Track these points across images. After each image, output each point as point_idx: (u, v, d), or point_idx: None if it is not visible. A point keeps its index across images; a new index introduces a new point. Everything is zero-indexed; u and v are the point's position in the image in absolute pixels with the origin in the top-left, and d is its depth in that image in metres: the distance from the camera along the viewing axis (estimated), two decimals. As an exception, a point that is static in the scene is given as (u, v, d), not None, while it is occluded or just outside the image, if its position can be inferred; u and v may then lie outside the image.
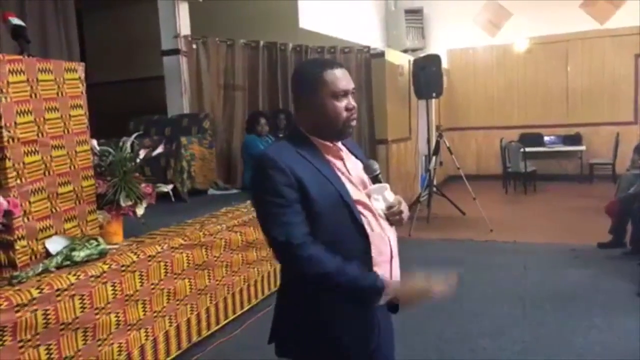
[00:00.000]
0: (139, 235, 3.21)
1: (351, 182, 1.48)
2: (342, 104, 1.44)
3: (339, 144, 1.54)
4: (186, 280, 3.14)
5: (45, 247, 2.56)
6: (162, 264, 2.94)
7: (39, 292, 2.21)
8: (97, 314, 2.49)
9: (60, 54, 4.45)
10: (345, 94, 1.45)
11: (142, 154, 3.13)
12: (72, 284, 2.36)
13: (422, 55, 7.39)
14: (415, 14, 9.51)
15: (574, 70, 9.16)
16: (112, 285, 2.58)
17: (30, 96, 2.53)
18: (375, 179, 1.50)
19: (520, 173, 8.28)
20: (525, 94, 9.48)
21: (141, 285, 2.78)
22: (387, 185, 1.49)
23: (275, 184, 1.36)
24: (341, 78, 1.45)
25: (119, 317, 2.62)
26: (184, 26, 5.68)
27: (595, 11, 8.47)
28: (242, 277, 3.71)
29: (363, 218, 1.43)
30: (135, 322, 2.74)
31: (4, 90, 2.38)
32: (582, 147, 8.92)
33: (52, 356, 2.25)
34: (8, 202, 2.33)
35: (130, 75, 7.38)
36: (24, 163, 2.47)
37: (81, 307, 2.39)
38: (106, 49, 7.59)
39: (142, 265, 2.80)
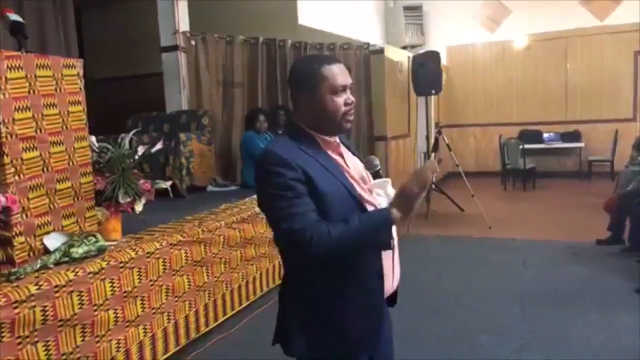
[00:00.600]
0: (137, 232, 3.20)
1: (352, 177, 1.48)
2: (341, 99, 1.44)
3: (337, 139, 1.54)
4: (185, 277, 3.14)
5: (43, 244, 2.55)
6: (160, 260, 2.94)
7: (37, 289, 2.20)
8: (95, 310, 2.48)
9: (58, 50, 4.44)
10: (343, 89, 1.45)
11: (140, 150, 3.12)
12: (71, 281, 2.35)
13: (421, 51, 7.38)
14: (414, 11, 9.50)
15: (573, 67, 9.16)
16: (110, 282, 2.58)
17: (29, 92, 2.52)
18: (376, 175, 1.51)
19: (519, 170, 8.29)
20: (525, 90, 9.48)
21: (139, 282, 2.78)
22: (389, 180, 1.49)
23: (284, 178, 1.34)
24: (339, 73, 1.45)
25: (117, 313, 2.62)
26: (183, 22, 5.66)
27: (595, 8, 8.45)
28: (241, 274, 3.71)
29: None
30: (134, 319, 2.73)
31: (2, 86, 2.37)
32: (581, 144, 8.93)
33: (51, 352, 2.25)
34: (6, 198, 2.33)
35: (129, 72, 7.37)
36: (22, 159, 2.46)
37: (79, 304, 2.39)
38: (105, 46, 7.57)
39: (141, 261, 2.80)
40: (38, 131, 2.57)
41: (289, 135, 1.50)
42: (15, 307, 2.10)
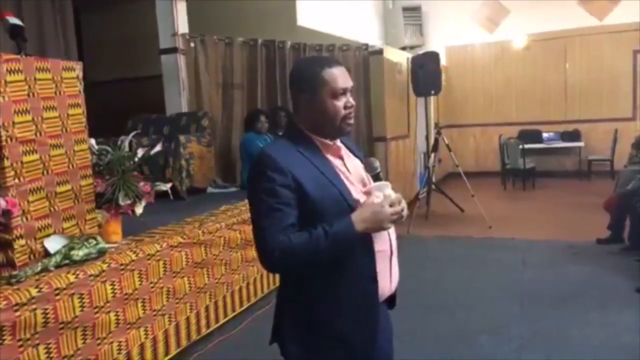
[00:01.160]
0: (137, 234, 3.21)
1: (351, 181, 1.48)
2: (341, 102, 1.45)
3: (339, 143, 1.54)
4: (185, 279, 3.14)
5: (44, 247, 2.56)
6: (161, 262, 2.95)
7: (38, 292, 2.21)
8: (96, 312, 2.49)
9: (57, 53, 4.44)
10: (344, 92, 1.45)
11: (140, 152, 3.13)
12: (71, 283, 2.36)
13: (420, 52, 7.39)
14: (413, 11, 9.50)
15: (572, 67, 9.16)
16: (111, 284, 2.59)
17: (28, 95, 2.52)
18: (376, 177, 1.51)
19: (519, 170, 8.29)
20: (524, 90, 9.49)
21: (140, 284, 2.78)
22: (388, 184, 1.48)
23: (272, 184, 1.36)
24: (340, 76, 1.45)
25: (118, 315, 2.63)
26: (182, 24, 5.67)
27: (594, 7, 8.44)
28: (242, 276, 3.71)
29: None
30: (135, 321, 2.74)
31: (2, 89, 2.37)
32: (581, 144, 8.93)
33: (52, 355, 2.26)
34: (6, 201, 2.33)
35: (128, 74, 7.37)
36: (22, 162, 2.47)
37: (80, 306, 2.40)
38: (104, 48, 7.57)
39: (141, 264, 2.80)
40: (38, 134, 2.58)
41: (288, 137, 1.51)
42: (16, 310, 2.10)
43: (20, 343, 2.13)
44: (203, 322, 3.31)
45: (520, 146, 8.20)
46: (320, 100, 1.44)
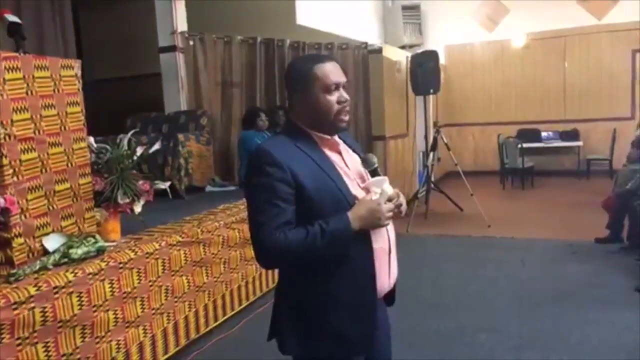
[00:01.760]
0: (136, 233, 3.21)
1: (349, 176, 1.48)
2: (333, 97, 1.45)
3: (337, 138, 1.54)
4: (184, 278, 3.14)
5: (42, 245, 2.56)
6: (159, 261, 2.94)
7: (37, 290, 2.20)
8: (95, 311, 2.49)
9: (56, 51, 4.44)
10: (337, 87, 1.45)
11: (139, 151, 3.13)
12: (70, 282, 2.36)
13: (419, 51, 7.38)
14: (412, 10, 9.48)
15: (571, 66, 9.17)
16: (109, 283, 2.58)
17: (27, 93, 2.52)
18: (373, 173, 1.50)
19: (518, 169, 8.30)
20: (523, 89, 9.49)
21: (139, 283, 2.78)
22: (386, 178, 1.48)
23: (270, 179, 1.36)
24: (332, 71, 1.45)
25: (117, 314, 2.62)
26: (181, 23, 5.66)
27: (593, 7, 8.44)
28: (240, 274, 3.71)
29: None
30: (134, 320, 2.74)
31: (0, 87, 2.37)
32: (580, 143, 8.94)
33: (50, 354, 2.25)
34: (5, 199, 2.33)
35: (127, 73, 7.35)
36: (20, 160, 2.46)
37: (79, 305, 2.39)
38: (103, 46, 7.55)
39: (140, 262, 2.80)
40: (36, 132, 2.57)
41: (286, 132, 1.51)
42: (15, 309, 2.10)
43: (19, 342, 2.12)
44: (202, 320, 3.31)
45: (519, 145, 8.20)
46: (313, 96, 1.44)
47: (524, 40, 9.32)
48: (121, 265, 2.67)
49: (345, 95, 1.48)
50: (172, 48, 5.61)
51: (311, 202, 1.38)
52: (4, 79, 2.38)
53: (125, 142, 3.08)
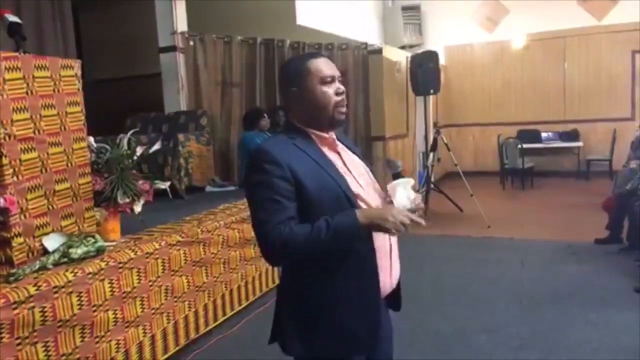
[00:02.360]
0: (136, 233, 3.21)
1: (349, 174, 1.48)
2: (330, 89, 1.45)
3: (334, 136, 1.54)
4: (184, 277, 3.14)
5: (42, 245, 2.56)
6: (159, 261, 2.94)
7: (36, 290, 2.20)
8: (94, 311, 2.48)
9: (56, 51, 4.44)
10: (332, 79, 1.46)
11: (139, 151, 3.13)
12: (70, 281, 2.36)
13: (419, 51, 7.39)
14: (412, 11, 9.50)
15: (571, 67, 9.17)
16: (109, 283, 2.58)
17: (27, 93, 2.52)
18: (397, 176, 1.51)
19: (518, 169, 8.30)
20: (523, 90, 9.49)
21: (139, 283, 2.78)
22: (411, 180, 1.49)
23: (270, 177, 1.36)
24: (325, 65, 1.47)
25: (116, 314, 2.62)
26: (181, 23, 5.66)
27: (593, 7, 8.47)
28: (240, 274, 3.71)
29: None
30: (133, 319, 2.74)
31: (0, 87, 2.37)
32: (579, 144, 8.94)
33: (50, 353, 2.25)
34: (5, 199, 2.33)
35: (127, 73, 7.36)
36: (20, 160, 2.46)
37: (79, 305, 2.39)
38: (103, 46, 7.57)
39: (140, 262, 2.80)
40: (36, 132, 2.57)
41: (285, 132, 1.51)
42: (15, 308, 2.10)
43: (19, 341, 2.12)
44: (202, 320, 3.30)
45: (519, 146, 8.21)
46: (309, 90, 1.45)
47: (523, 41, 9.32)
48: (121, 265, 2.67)
49: (342, 87, 1.48)
50: (172, 48, 5.62)
51: (311, 200, 1.38)
52: (4, 78, 2.38)
53: (125, 142, 3.08)
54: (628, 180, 4.89)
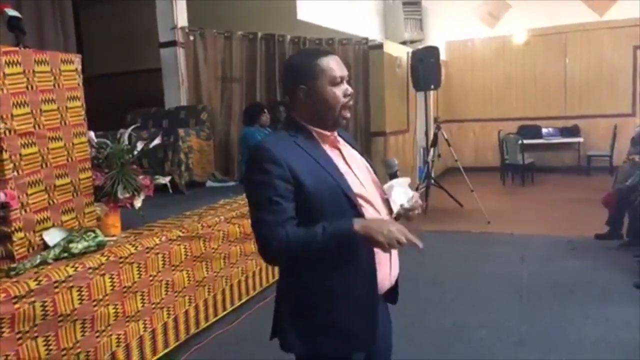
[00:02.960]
0: (136, 227, 3.21)
1: (350, 173, 1.48)
2: (340, 90, 1.45)
3: (336, 134, 1.53)
4: (184, 272, 3.15)
5: (42, 239, 2.56)
6: (160, 256, 2.95)
7: (37, 284, 2.21)
8: (95, 305, 2.49)
9: (56, 45, 4.43)
10: (342, 80, 1.46)
11: (139, 145, 3.13)
12: (70, 276, 2.36)
13: (420, 47, 7.37)
14: (413, 6, 9.46)
15: (572, 62, 9.15)
16: (110, 277, 2.59)
17: (27, 88, 2.51)
18: (393, 176, 1.51)
19: (518, 165, 8.30)
20: (524, 86, 9.48)
21: (139, 277, 2.78)
22: (407, 180, 1.49)
23: (269, 177, 1.36)
24: (336, 65, 1.46)
25: (117, 308, 2.63)
26: (181, 18, 5.65)
27: (594, 3, 8.45)
28: (240, 269, 3.72)
29: (363, 210, 1.43)
30: (134, 314, 2.74)
31: (0, 82, 2.37)
32: (580, 139, 8.94)
33: (51, 347, 2.26)
34: (5, 194, 2.33)
35: (128, 68, 7.35)
36: (20, 155, 2.46)
37: (79, 299, 2.40)
38: (103, 41, 7.56)
39: (140, 257, 2.80)
40: (36, 127, 2.57)
41: (286, 129, 1.51)
42: (15, 303, 2.10)
43: (19, 335, 2.13)
44: (202, 315, 3.31)
45: (520, 141, 8.20)
46: (319, 90, 1.44)
47: (524, 36, 9.30)
48: (121, 260, 2.67)
49: (350, 89, 1.48)
50: (173, 43, 5.61)
51: (310, 199, 1.37)
52: (4, 73, 2.38)
53: (125, 137, 3.09)
54: (628, 176, 4.89)
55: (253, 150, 1.43)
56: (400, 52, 7.36)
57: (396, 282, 1.59)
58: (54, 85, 2.68)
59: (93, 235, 2.67)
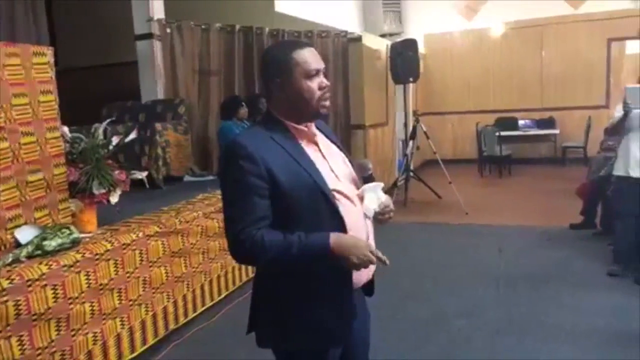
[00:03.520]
0: (113, 223, 3.16)
1: (327, 169, 1.47)
2: (315, 83, 1.43)
3: (314, 129, 1.52)
4: (162, 268, 3.11)
5: (14, 237, 2.51)
6: (137, 252, 2.91)
7: (10, 283, 2.16)
8: (70, 303, 2.45)
9: (28, 38, 4.30)
10: (317, 72, 1.44)
11: (115, 140, 3.07)
12: (44, 274, 2.31)
13: (399, 39, 7.39)
14: (392, -2, 9.48)
15: (548, 55, 9.27)
16: (85, 275, 2.54)
17: (-4, 82, 2.45)
18: (368, 179, 1.51)
19: (496, 157, 8.41)
20: (501, 78, 9.58)
21: (116, 274, 2.75)
22: (380, 184, 1.50)
23: (243, 173, 1.35)
24: (312, 57, 1.44)
25: (93, 306, 2.59)
26: (158, 10, 5.54)
27: (569, -4, 8.57)
28: (219, 264, 3.69)
29: (340, 205, 1.43)
30: (111, 311, 2.71)
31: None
32: (556, 131, 9.08)
33: (25, 347, 2.22)
34: (-25, 191, 2.27)
35: (103, 61, 7.21)
36: (-10, 151, 2.40)
37: (54, 297, 2.35)
38: (77, 34, 7.39)
39: (117, 253, 2.76)
40: (7, 122, 2.51)
41: (263, 124, 1.49)
42: (-13, 302, 2.06)
43: (-8, 335, 2.08)
44: (181, 311, 3.29)
45: (497, 133, 8.30)
46: (294, 82, 1.42)
47: (502, 29, 9.39)
48: (97, 257, 2.63)
49: (326, 81, 1.46)
50: (149, 35, 5.50)
51: (286, 196, 1.36)
52: (-29, 66, 2.31)
53: (100, 131, 3.03)
54: (602, 167, 4.98)
55: (228, 147, 1.41)
56: (379, 45, 7.36)
57: (373, 275, 1.59)
58: (25, 79, 2.62)
59: (68, 232, 2.62)
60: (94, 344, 2.59)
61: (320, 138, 1.54)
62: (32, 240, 2.48)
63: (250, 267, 4.00)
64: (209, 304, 3.57)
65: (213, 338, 3.23)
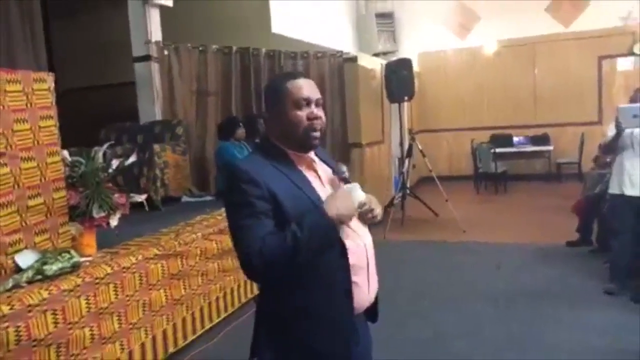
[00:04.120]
0: (113, 247, 3.17)
1: (326, 193, 1.49)
2: (303, 112, 1.46)
3: (312, 155, 1.55)
4: (162, 291, 3.12)
5: (15, 262, 2.51)
6: (136, 275, 2.92)
7: (10, 309, 2.16)
8: (70, 328, 2.45)
9: (27, 61, 4.34)
10: (307, 102, 1.47)
11: (114, 163, 3.10)
12: (44, 299, 2.32)
13: (393, 58, 7.48)
14: (386, 18, 9.62)
15: (541, 72, 9.40)
16: (85, 299, 2.55)
17: (-2, 108, 2.48)
18: (344, 182, 1.53)
19: (491, 173, 8.46)
20: (495, 95, 9.68)
21: (116, 298, 2.75)
22: (357, 185, 1.49)
23: (247, 196, 1.37)
24: (303, 87, 1.47)
25: (93, 331, 2.59)
26: (155, 32, 5.61)
27: (560, 15, 8.70)
28: (219, 286, 3.69)
29: (340, 230, 1.44)
30: (111, 335, 2.70)
31: (-30, 102, 2.33)
32: (550, 147, 9.15)
33: (25, 373, 2.21)
34: (-24, 217, 2.28)
35: (101, 82, 7.28)
36: (-8, 177, 2.42)
37: (54, 323, 2.36)
38: (76, 56, 7.46)
39: (117, 277, 2.77)
40: (8, 147, 2.53)
41: (261, 151, 1.52)
42: (-12, 329, 2.06)
43: (-8, 362, 2.08)
44: (180, 334, 3.28)
45: (492, 150, 8.36)
46: (284, 111, 1.46)
47: (495, 47, 9.52)
48: (97, 281, 2.64)
49: (317, 112, 1.47)
50: (147, 57, 5.56)
51: (289, 220, 1.38)
52: (-26, 94, 2.35)
53: (100, 154, 3.05)
54: (597, 184, 5.03)
55: (231, 173, 1.44)
56: (374, 64, 7.45)
57: (376, 299, 1.60)
58: (26, 105, 2.65)
59: (68, 256, 2.63)
60: (93, 368, 2.58)
61: (319, 164, 1.57)
62: (32, 265, 2.50)
63: (249, 288, 4.00)
64: (208, 325, 3.57)
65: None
